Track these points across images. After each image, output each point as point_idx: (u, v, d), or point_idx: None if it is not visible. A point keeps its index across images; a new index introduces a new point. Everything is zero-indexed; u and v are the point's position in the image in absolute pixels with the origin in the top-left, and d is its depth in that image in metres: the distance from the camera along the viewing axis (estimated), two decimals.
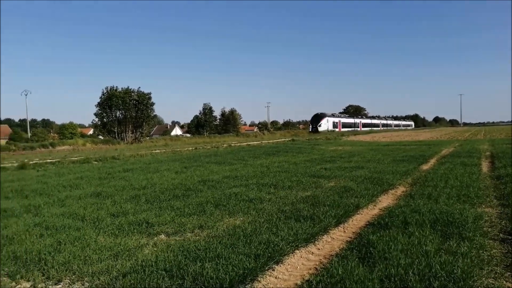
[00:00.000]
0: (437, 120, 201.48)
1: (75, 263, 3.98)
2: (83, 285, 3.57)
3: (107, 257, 4.17)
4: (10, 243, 4.75)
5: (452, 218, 5.25)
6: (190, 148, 25.14)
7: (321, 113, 79.14)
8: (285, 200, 7.04)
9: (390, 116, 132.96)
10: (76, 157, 18.22)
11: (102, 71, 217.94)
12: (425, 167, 11.86)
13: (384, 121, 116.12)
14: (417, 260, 3.76)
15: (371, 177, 9.47)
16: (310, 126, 76.69)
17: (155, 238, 4.94)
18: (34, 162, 15.64)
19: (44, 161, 16.21)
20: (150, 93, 45.87)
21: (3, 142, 47.33)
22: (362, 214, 6.04)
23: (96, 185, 9.43)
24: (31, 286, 3.60)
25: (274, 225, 5.26)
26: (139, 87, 45.77)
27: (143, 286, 3.35)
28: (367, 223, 5.48)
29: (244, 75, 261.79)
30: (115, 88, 44.69)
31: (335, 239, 4.83)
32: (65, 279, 3.69)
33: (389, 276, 3.43)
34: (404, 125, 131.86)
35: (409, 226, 4.99)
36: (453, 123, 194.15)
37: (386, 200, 7.07)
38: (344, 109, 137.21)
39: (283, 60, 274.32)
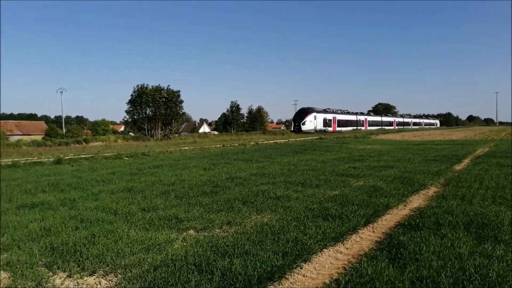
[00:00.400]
0: (471, 119, 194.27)
1: (109, 256, 4.11)
2: (116, 276, 3.69)
3: (138, 251, 4.29)
4: (47, 235, 4.95)
5: (487, 220, 5.07)
6: (218, 146, 25.39)
7: (308, 108, 61.40)
8: (313, 198, 7.01)
9: (409, 114, 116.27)
10: (108, 153, 18.77)
11: (134, 70, 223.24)
12: (458, 167, 11.49)
13: (400, 119, 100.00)
14: (450, 263, 3.67)
15: (401, 177, 9.27)
16: (292, 125, 60.75)
17: (184, 233, 5.03)
18: (69, 157, 16.23)
19: (78, 156, 16.79)
20: (179, 91, 46.50)
21: (39, 137, 49.33)
22: (392, 214, 5.93)
23: (128, 180, 9.69)
24: (67, 276, 3.75)
25: (302, 223, 5.24)
26: (169, 85, 46.49)
27: (173, 280, 3.43)
28: (397, 223, 5.38)
29: (272, 73, 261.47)
30: (145, 86, 45.60)
31: (364, 239, 4.77)
32: (99, 271, 3.83)
33: (420, 278, 3.36)
34: (427, 124, 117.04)
35: (441, 228, 4.86)
36: (488, 122, 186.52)
37: (417, 201, 6.90)
38: (373, 107, 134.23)
39: (311, 57, 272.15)
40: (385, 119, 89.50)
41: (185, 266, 3.71)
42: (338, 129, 63.89)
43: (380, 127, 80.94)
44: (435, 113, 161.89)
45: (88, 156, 17.01)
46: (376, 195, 7.20)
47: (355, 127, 70.46)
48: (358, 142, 28.07)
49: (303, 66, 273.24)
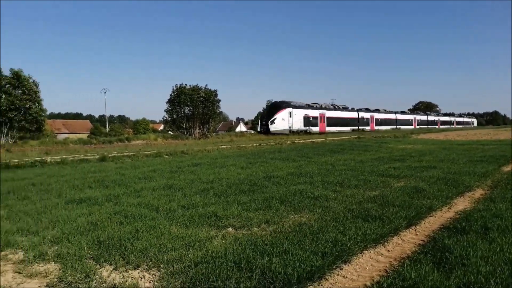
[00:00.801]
0: None
1: (152, 251, 4.25)
2: (158, 271, 3.80)
3: (179, 247, 4.40)
4: (94, 229, 5.18)
5: None
6: (254, 144, 25.51)
7: (281, 102, 47.67)
8: (352, 199, 6.89)
9: (437, 112, 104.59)
10: (149, 151, 19.35)
11: (172, 70, 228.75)
12: (507, 168, 10.90)
13: (422, 117, 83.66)
14: (499, 269, 3.50)
15: (445, 178, 8.92)
16: (259, 124, 47.64)
17: (223, 231, 5.10)
18: (112, 155, 16.89)
19: (121, 154, 17.43)
20: (216, 90, 47.12)
21: (85, 136, 51.69)
22: (435, 217, 5.73)
23: (168, 178, 9.95)
24: (113, 269, 3.92)
25: (341, 223, 5.18)
26: (206, 85, 47.22)
27: (214, 276, 3.49)
28: (441, 226, 5.19)
29: (307, 71, 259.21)
30: (184, 86, 46.57)
31: (406, 242, 4.64)
32: (142, 265, 3.97)
33: (467, 284, 3.23)
34: (460, 123, 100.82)
35: (489, 232, 4.64)
36: None
37: (462, 203, 6.62)
38: (414, 106, 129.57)
39: (347, 55, 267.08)
40: (402, 117, 75.62)
41: (225, 263, 3.77)
42: (329, 129, 51.59)
43: (394, 126, 69.46)
44: (481, 112, 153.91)
45: (130, 154, 17.62)
46: (418, 196, 6.97)
47: (356, 127, 58.47)
48: (398, 142, 27.26)
49: (340, 64, 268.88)
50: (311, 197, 7.00)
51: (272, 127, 43.37)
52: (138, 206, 6.53)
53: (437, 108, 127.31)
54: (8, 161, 13.43)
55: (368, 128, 61.86)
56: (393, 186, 8.20)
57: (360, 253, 4.18)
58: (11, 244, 4.68)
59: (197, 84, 46.45)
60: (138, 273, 3.80)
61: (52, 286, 3.56)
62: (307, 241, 4.42)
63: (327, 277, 3.56)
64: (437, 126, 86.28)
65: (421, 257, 3.95)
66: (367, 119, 63.57)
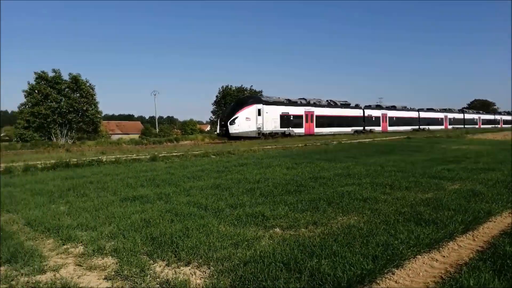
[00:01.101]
0: None
1: (201, 248, 4.37)
2: (208, 268, 3.90)
3: (228, 245, 4.48)
4: (147, 226, 5.40)
5: None
6: (300, 145, 25.34)
7: (247, 97, 40.94)
8: (403, 201, 6.66)
9: (466, 108, 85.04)
10: (196, 151, 19.85)
11: (220, 72, 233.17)
12: None
13: (456, 115, 69.08)
14: None
15: (505, 181, 8.37)
16: (218, 125, 37.41)
17: (271, 231, 5.13)
18: (162, 155, 17.51)
19: (170, 154, 18.03)
20: (261, 91, 47.50)
21: (136, 136, 53.99)
22: (494, 222, 5.39)
23: (215, 177, 10.14)
24: (165, 265, 4.07)
25: (391, 227, 5.02)
26: (251, 86, 47.77)
27: (262, 276, 3.52)
28: (502, 232, 4.88)
29: (353, 68, 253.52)
30: (229, 87, 47.38)
31: (462, 247, 4.41)
32: (193, 262, 4.08)
33: None
34: (488, 121, 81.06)
35: None
36: None
37: None
38: (469, 104, 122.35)
39: (398, 51, 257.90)
40: (427, 115, 62.23)
41: (273, 264, 3.79)
42: (320, 130, 42.05)
43: (415, 127, 57.80)
44: None
45: (179, 154, 18.17)
46: (475, 200, 6.61)
47: (359, 127, 48.61)
48: (452, 142, 25.94)
49: (390, 59, 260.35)
50: (359, 199, 6.85)
51: (232, 129, 33.75)
52: (187, 205, 6.72)
53: (495, 107, 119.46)
54: (68, 160, 14.33)
55: (378, 128, 51.69)
56: (447, 188, 7.83)
57: (413, 258, 4.03)
58: (72, 238, 5.00)
59: (241, 85, 47.20)
60: (189, 269, 3.92)
61: (110, 279, 3.76)
62: (356, 244, 4.33)
63: (378, 282, 3.47)
64: (477, 126, 73.22)
65: (480, 264, 3.74)
66: (377, 118, 52.35)
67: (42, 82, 39.14)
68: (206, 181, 9.54)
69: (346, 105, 48.19)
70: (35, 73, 39.08)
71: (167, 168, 12.64)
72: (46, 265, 4.14)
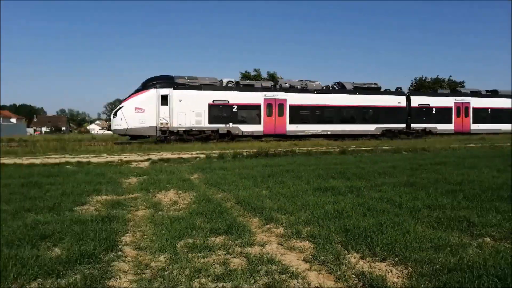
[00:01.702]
0: None
1: (397, 246, 4.19)
2: (406, 269, 3.71)
3: (428, 248, 4.17)
4: (340, 217, 5.52)
5: None
6: (508, 144, 21.33)
7: (149, 79, 25.26)
8: None
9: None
10: (386, 146, 19.14)
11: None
12: None
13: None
14: None
15: None
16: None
17: (479, 240, 4.52)
18: (351, 149, 17.60)
19: (359, 148, 17.94)
20: (463, 82, 42.01)
21: None
22: None
23: (409, 175, 9.55)
24: (360, 257, 4.08)
25: None
26: (450, 76, 42.73)
27: (472, 287, 3.15)
28: None
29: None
30: (424, 79, 43.75)
31: None
32: (389, 259, 3.97)
33: None
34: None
35: None
36: None
37: None
38: None
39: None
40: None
41: (485, 276, 3.33)
42: (296, 128, 27.13)
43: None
44: None
45: (368, 148, 17.91)
46: None
47: (396, 124, 29.85)
48: None
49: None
50: None
51: (113, 124, 24.39)
52: (379, 200, 6.57)
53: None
54: (267, 149, 16.00)
55: (446, 127, 31.08)
56: None
57: None
58: (273, 219, 5.56)
59: (438, 76, 42.70)
60: (385, 266, 3.83)
61: (308, 261, 4.02)
62: None
63: None
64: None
65: None
66: (442, 110, 30.94)
67: None
68: (398, 178, 9.12)
69: (351, 91, 29.02)
70: None
71: (356, 162, 12.63)
72: (254, 240, 4.74)
